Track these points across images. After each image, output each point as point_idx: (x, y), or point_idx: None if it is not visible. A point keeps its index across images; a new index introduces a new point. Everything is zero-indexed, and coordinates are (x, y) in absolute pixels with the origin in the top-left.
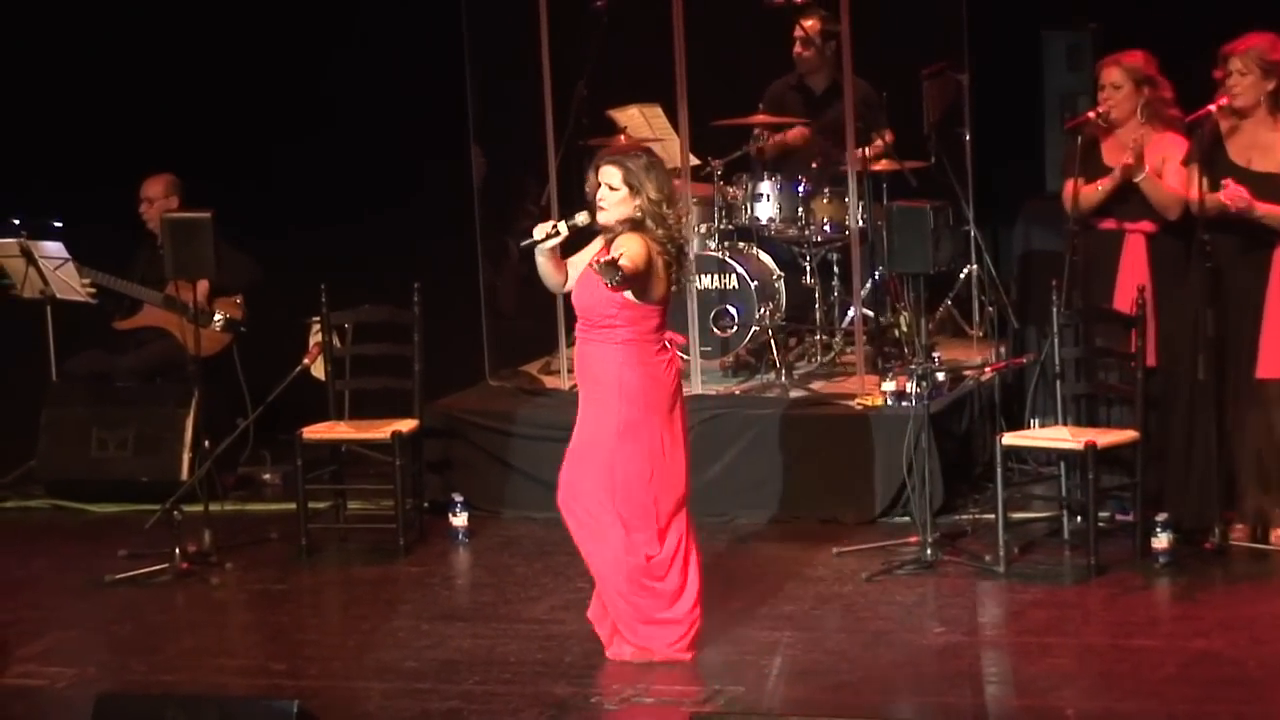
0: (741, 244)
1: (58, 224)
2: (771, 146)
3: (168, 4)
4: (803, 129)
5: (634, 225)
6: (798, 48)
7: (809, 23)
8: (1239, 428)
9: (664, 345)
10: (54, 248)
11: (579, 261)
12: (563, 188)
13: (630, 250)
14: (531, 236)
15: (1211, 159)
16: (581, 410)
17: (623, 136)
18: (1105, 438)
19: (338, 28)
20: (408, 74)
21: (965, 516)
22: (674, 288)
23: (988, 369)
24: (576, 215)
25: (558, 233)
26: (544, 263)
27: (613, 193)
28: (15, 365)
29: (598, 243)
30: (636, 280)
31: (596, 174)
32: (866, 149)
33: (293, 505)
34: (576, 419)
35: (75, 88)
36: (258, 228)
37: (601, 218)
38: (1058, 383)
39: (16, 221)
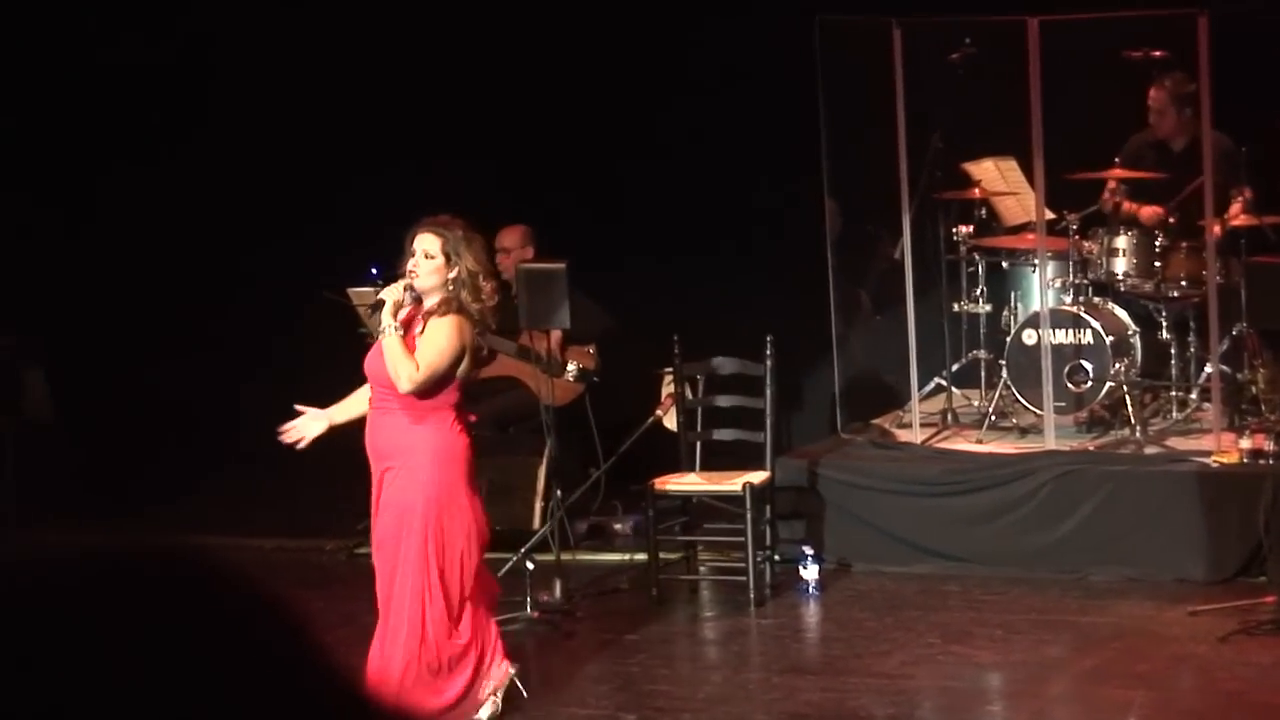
0: (1097, 299)
1: None
2: (1125, 211)
3: (524, 42)
4: (1157, 210)
5: (450, 305)
6: (1152, 109)
7: (1166, 83)
8: None
9: (462, 422)
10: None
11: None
12: (916, 240)
13: (433, 339)
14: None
15: None
16: (378, 486)
17: (977, 190)
18: None
19: (681, 75)
20: (764, 126)
21: None
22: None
23: None
24: (390, 289)
25: (382, 302)
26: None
27: (428, 260)
28: None
29: (403, 312)
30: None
31: (411, 243)
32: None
33: (644, 555)
34: (374, 495)
35: (435, 139)
36: (610, 279)
37: (416, 284)
38: None
39: (374, 270)
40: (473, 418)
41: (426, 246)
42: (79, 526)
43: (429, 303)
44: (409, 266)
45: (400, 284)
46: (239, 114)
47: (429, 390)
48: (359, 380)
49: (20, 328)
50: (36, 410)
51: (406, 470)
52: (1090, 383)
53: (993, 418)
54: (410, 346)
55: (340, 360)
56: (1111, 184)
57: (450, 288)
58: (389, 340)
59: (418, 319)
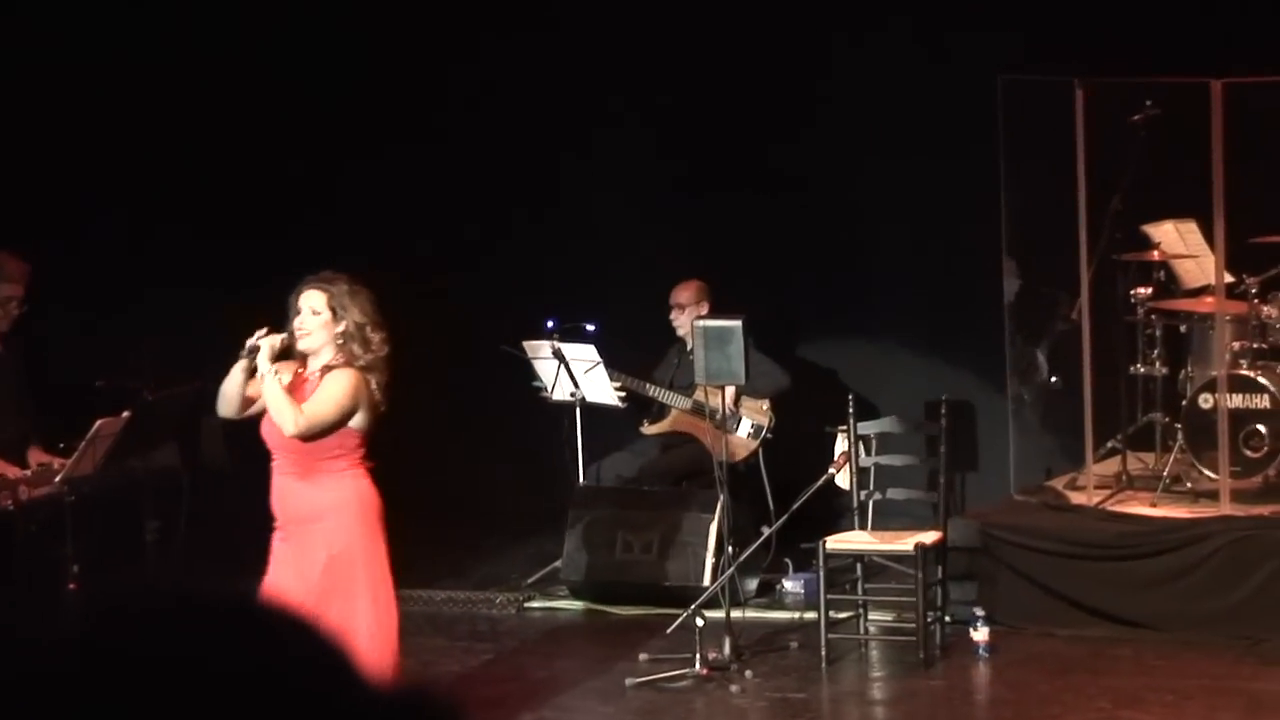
0: (1275, 364)
1: (590, 327)
2: None
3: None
4: None
5: (345, 359)
6: None
7: None
8: None
9: (367, 470)
10: (585, 350)
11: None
12: (1094, 302)
13: (327, 388)
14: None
15: None
16: (285, 547)
17: (1156, 252)
18: None
19: (866, 134)
20: (939, 184)
21: None
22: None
23: None
24: (270, 337)
25: (258, 348)
26: (239, 381)
27: (315, 317)
28: (544, 467)
29: (289, 373)
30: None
31: (298, 299)
32: None
33: (813, 614)
34: (274, 556)
35: (603, 200)
36: (784, 335)
37: (304, 343)
38: None
39: (550, 324)
40: (371, 465)
41: (312, 303)
42: (235, 573)
43: (320, 360)
44: (295, 325)
45: (278, 336)
46: (420, 156)
47: (318, 439)
48: (530, 429)
49: (201, 375)
50: (213, 458)
51: (326, 531)
52: (1266, 448)
53: (1167, 481)
54: (300, 400)
55: (516, 409)
56: None
57: (340, 341)
58: (269, 383)
59: (308, 378)
